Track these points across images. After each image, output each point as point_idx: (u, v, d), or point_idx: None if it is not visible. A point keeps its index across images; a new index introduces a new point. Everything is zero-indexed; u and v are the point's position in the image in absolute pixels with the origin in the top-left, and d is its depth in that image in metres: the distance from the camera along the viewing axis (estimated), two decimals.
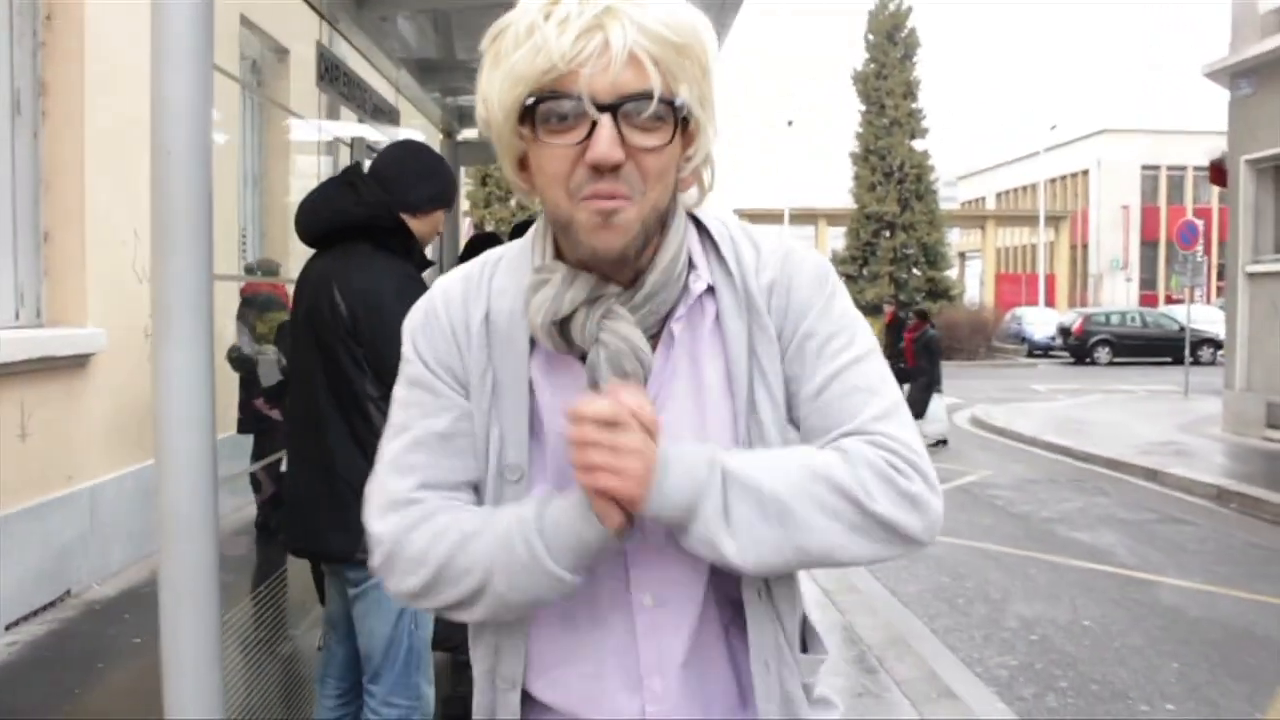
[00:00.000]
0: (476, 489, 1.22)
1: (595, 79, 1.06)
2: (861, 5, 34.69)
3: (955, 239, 59.40)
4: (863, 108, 33.59)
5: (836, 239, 41.24)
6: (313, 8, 3.63)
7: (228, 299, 6.62)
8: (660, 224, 1.16)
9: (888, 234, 33.04)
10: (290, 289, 3.20)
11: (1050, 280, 47.86)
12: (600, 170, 1.07)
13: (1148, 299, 46.17)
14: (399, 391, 1.25)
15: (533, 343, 1.19)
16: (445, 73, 5.32)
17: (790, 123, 47.46)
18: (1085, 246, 51.81)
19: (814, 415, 1.19)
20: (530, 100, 1.08)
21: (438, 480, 1.20)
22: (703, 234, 1.25)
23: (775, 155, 55.71)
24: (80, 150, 5.73)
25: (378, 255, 2.69)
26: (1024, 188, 56.40)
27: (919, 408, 12.84)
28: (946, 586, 6.49)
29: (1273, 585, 6.60)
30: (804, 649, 1.31)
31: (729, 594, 1.22)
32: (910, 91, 33.04)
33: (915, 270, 32.85)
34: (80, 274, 5.76)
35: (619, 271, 1.15)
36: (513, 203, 28.66)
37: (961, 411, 17.09)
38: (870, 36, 33.56)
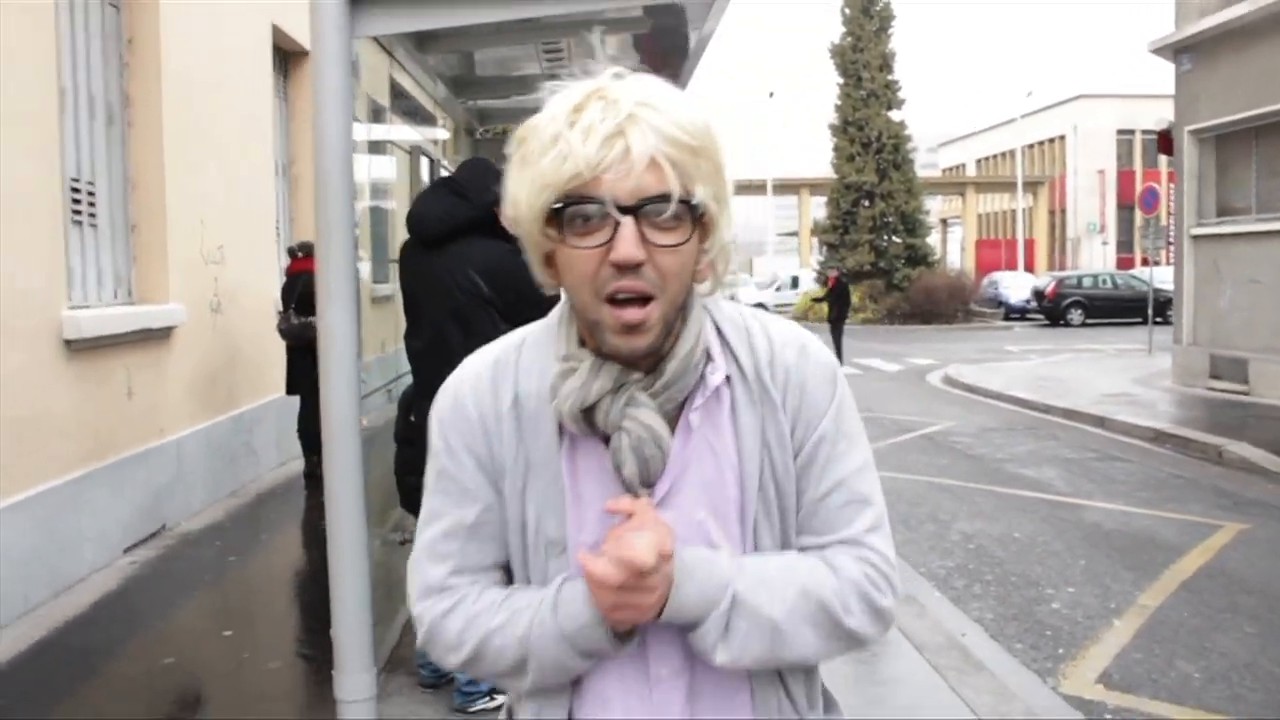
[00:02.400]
0: (506, 568, 1.33)
1: (618, 184, 1.12)
2: None
3: (937, 206, 60.57)
4: (840, 80, 34.54)
5: (819, 208, 42.25)
6: (382, 48, 4.66)
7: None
8: (679, 315, 1.23)
9: (867, 203, 34.08)
10: None
11: (1030, 245, 48.98)
12: (623, 269, 1.14)
13: (1124, 262, 47.23)
14: (430, 479, 1.34)
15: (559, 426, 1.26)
16: (470, 85, 6.35)
17: (771, 94, 48.21)
18: (1063, 211, 52.90)
19: (814, 517, 1.29)
20: (558, 205, 1.15)
21: (468, 566, 1.30)
22: (717, 325, 1.31)
23: (758, 127, 56.54)
24: (160, 154, 6.74)
25: (489, 241, 3.67)
26: (1003, 154, 57.41)
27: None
28: (902, 512, 7.59)
29: (1181, 506, 7.73)
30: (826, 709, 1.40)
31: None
32: (886, 64, 34.00)
33: (895, 238, 33.89)
34: (162, 258, 6.79)
35: (641, 360, 1.22)
36: None
37: (935, 371, 18.24)
38: (846, 10, 34.47)
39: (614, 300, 1.17)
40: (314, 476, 7.79)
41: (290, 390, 8.13)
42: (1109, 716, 4.13)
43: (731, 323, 1.31)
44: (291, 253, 8.49)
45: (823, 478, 1.29)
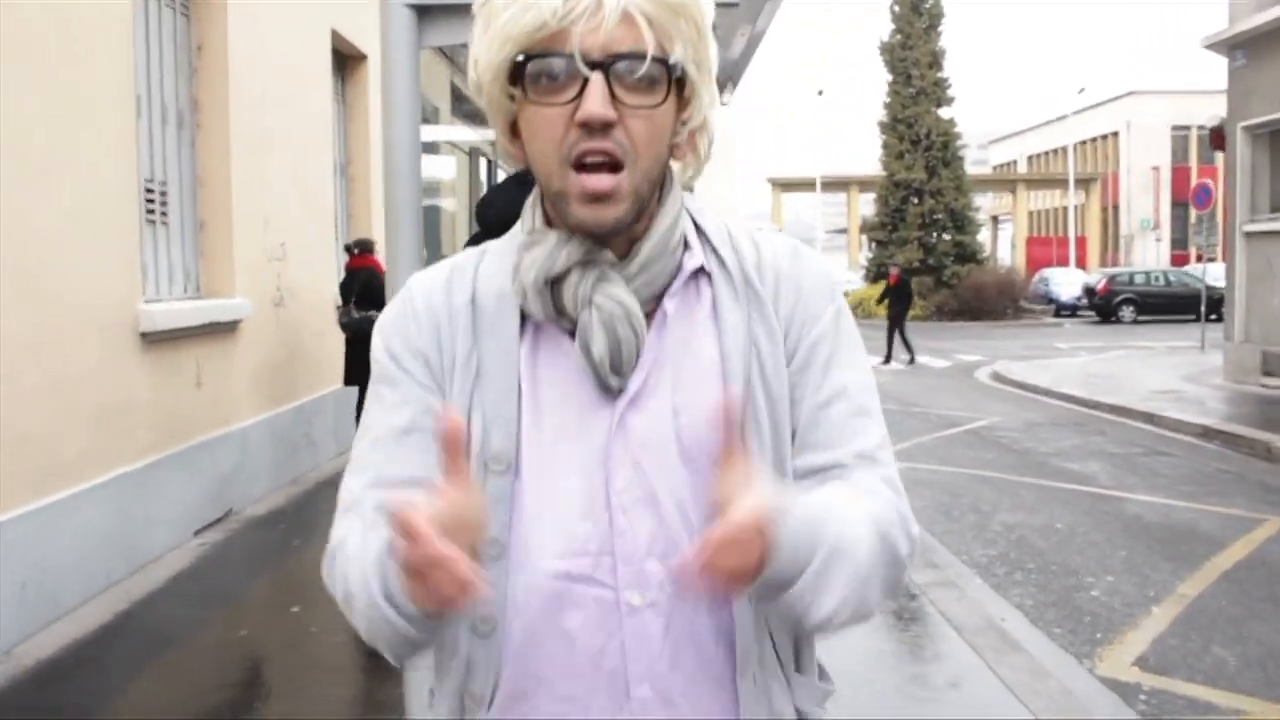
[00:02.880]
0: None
1: (587, 37, 1.02)
2: None
3: (988, 203, 60.12)
4: (889, 78, 34.45)
5: (867, 205, 42.17)
6: (444, 55, 4.88)
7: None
8: (654, 193, 1.12)
9: (916, 200, 33.98)
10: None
11: (1081, 242, 48.49)
12: (591, 129, 1.04)
13: (1178, 259, 46.63)
14: (368, 396, 1.20)
15: (522, 326, 1.14)
16: None
17: (821, 92, 48.13)
18: (1116, 208, 52.32)
19: (816, 428, 1.15)
20: (520, 58, 1.05)
21: (387, 478, 1.13)
22: (695, 221, 1.21)
23: (807, 124, 56.42)
24: (227, 156, 7.03)
25: None
26: (1054, 151, 56.89)
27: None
28: (945, 503, 7.71)
29: (1225, 499, 7.78)
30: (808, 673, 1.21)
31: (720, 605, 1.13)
32: (936, 61, 33.86)
33: (944, 235, 33.77)
34: (229, 255, 7.08)
35: (613, 241, 1.11)
36: None
37: (984, 368, 18.24)
38: (896, 8, 34.39)
39: (581, 166, 1.06)
40: None
41: (349, 381, 8.40)
42: (1144, 697, 4.26)
43: (712, 222, 1.21)
44: (349, 250, 8.77)
45: (823, 383, 1.16)
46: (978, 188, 41.03)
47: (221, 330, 6.86)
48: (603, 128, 1.04)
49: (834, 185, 48.27)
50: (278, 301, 7.89)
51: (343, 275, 8.71)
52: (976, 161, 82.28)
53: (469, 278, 1.18)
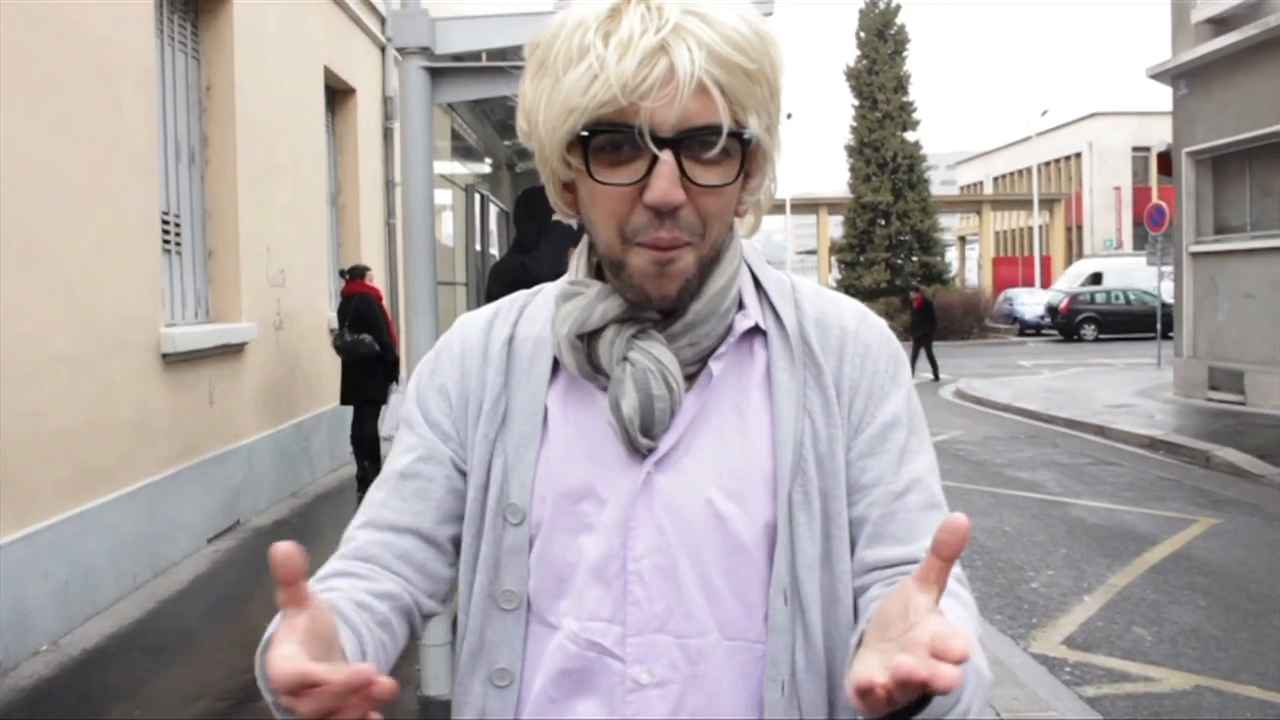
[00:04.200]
0: (428, 539, 1.12)
1: (658, 111, 0.94)
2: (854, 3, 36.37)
3: (956, 224, 61.16)
4: (856, 102, 35.32)
5: (836, 227, 42.96)
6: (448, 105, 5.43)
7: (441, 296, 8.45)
8: (716, 258, 1.05)
9: (883, 222, 34.81)
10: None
11: (1046, 262, 49.52)
12: (660, 212, 0.97)
13: None
14: (400, 428, 1.18)
15: (554, 372, 1.10)
16: (512, 127, 7.13)
17: (789, 115, 48.89)
18: (1080, 228, 53.40)
19: (892, 520, 1.06)
20: (584, 133, 0.97)
21: (378, 520, 1.12)
22: (756, 277, 1.14)
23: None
24: (234, 189, 7.55)
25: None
26: (1019, 171, 57.99)
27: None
28: None
29: (1162, 503, 8.40)
30: None
31: (747, 682, 1.05)
32: (901, 85, 34.77)
33: (911, 256, 34.57)
34: (235, 281, 7.59)
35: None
36: None
37: (948, 385, 18.91)
38: (861, 34, 35.29)
39: (646, 246, 0.99)
40: (365, 480, 8.54)
41: (344, 400, 8.90)
42: (1069, 669, 4.83)
43: (774, 278, 1.15)
44: (344, 275, 9.29)
45: (900, 473, 1.08)
46: (945, 209, 41.93)
47: (231, 352, 7.35)
48: (671, 210, 0.98)
49: (803, 207, 49.03)
50: (278, 325, 8.39)
51: (337, 300, 9.22)
52: (945, 182, 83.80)
53: (511, 319, 1.15)
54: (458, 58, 4.11)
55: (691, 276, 1.02)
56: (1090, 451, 11.26)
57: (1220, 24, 14.31)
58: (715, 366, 1.07)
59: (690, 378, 1.07)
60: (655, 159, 0.96)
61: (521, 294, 1.20)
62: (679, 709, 1.03)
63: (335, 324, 9.06)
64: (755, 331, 1.11)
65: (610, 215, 1.00)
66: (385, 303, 9.49)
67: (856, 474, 1.09)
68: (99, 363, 5.51)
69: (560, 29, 0.99)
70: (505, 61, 4.22)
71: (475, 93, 4.17)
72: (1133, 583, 6.15)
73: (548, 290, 1.17)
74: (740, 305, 1.10)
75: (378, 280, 10.20)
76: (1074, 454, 11.10)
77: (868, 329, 1.14)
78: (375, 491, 1.15)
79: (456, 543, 1.14)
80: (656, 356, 1.03)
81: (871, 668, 0.79)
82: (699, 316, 1.05)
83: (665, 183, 0.96)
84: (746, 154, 1.01)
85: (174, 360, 6.36)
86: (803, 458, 1.06)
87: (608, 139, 0.97)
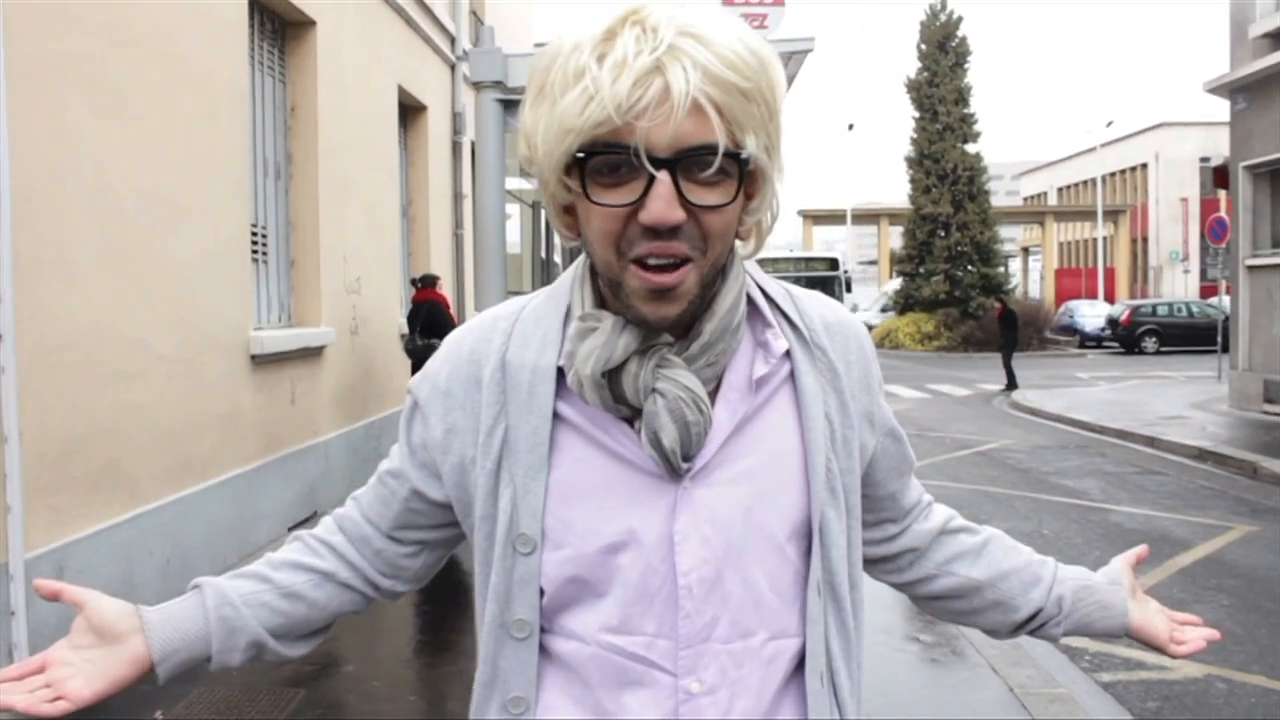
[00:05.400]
0: (388, 535, 1.26)
1: (653, 131, 0.96)
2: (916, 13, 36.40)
3: (1019, 235, 60.76)
4: (916, 114, 35.40)
5: (897, 238, 43.00)
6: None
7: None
8: (718, 276, 1.07)
9: (943, 234, 34.83)
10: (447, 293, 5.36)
11: (1110, 274, 49.06)
12: (656, 232, 0.98)
13: (1207, 290, 46.96)
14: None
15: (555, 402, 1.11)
16: None
17: (851, 126, 49.04)
18: (1145, 240, 52.81)
19: (892, 501, 1.32)
20: (580, 154, 0.99)
21: (360, 502, 1.30)
22: (762, 289, 1.17)
23: (838, 157, 57.28)
24: (315, 201, 8.09)
25: None
26: (1084, 183, 57.53)
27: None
28: None
29: (1201, 511, 8.61)
30: None
31: (785, 677, 1.12)
32: (962, 98, 34.79)
33: (970, 267, 34.56)
34: (315, 289, 8.13)
35: (671, 326, 1.06)
36: None
37: (1001, 396, 19.06)
38: (922, 46, 35.38)
39: (643, 263, 1.01)
40: None
41: None
42: (1089, 657, 5.15)
43: (776, 290, 1.19)
44: (415, 283, 9.82)
45: (909, 480, 1.33)
46: (1006, 220, 41.78)
47: (311, 355, 7.89)
48: (670, 230, 0.99)
49: (864, 217, 49.19)
50: (353, 330, 8.93)
51: (408, 307, 9.75)
52: (1009, 192, 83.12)
53: (499, 343, 1.15)
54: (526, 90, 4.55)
55: (693, 298, 1.04)
56: (1138, 461, 11.44)
57: (1278, 38, 14.39)
58: (760, 378, 1.13)
59: (711, 394, 1.10)
60: (652, 179, 0.98)
61: (505, 311, 1.20)
62: (729, 711, 1.08)
63: (405, 329, 9.59)
64: (767, 340, 1.14)
65: (607, 235, 1.02)
66: (453, 310, 10.01)
67: (877, 478, 1.27)
68: (196, 363, 6.04)
69: (557, 53, 1.02)
70: None
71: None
72: (1161, 583, 6.42)
73: (535, 309, 1.17)
74: (766, 324, 1.15)
75: (445, 288, 10.73)
76: (1121, 463, 11.29)
77: (865, 339, 1.24)
78: (374, 475, 1.28)
79: (417, 542, 1.27)
80: (686, 385, 1.05)
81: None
82: (714, 336, 1.08)
83: (662, 203, 0.97)
84: (744, 174, 1.02)
85: (261, 361, 6.89)
86: (830, 458, 1.13)
87: (604, 160, 0.99)
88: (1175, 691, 4.68)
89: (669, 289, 1.02)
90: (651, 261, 1.01)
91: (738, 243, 1.11)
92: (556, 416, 1.11)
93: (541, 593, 1.12)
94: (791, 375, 1.14)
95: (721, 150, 0.98)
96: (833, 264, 27.04)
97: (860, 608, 1.20)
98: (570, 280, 1.16)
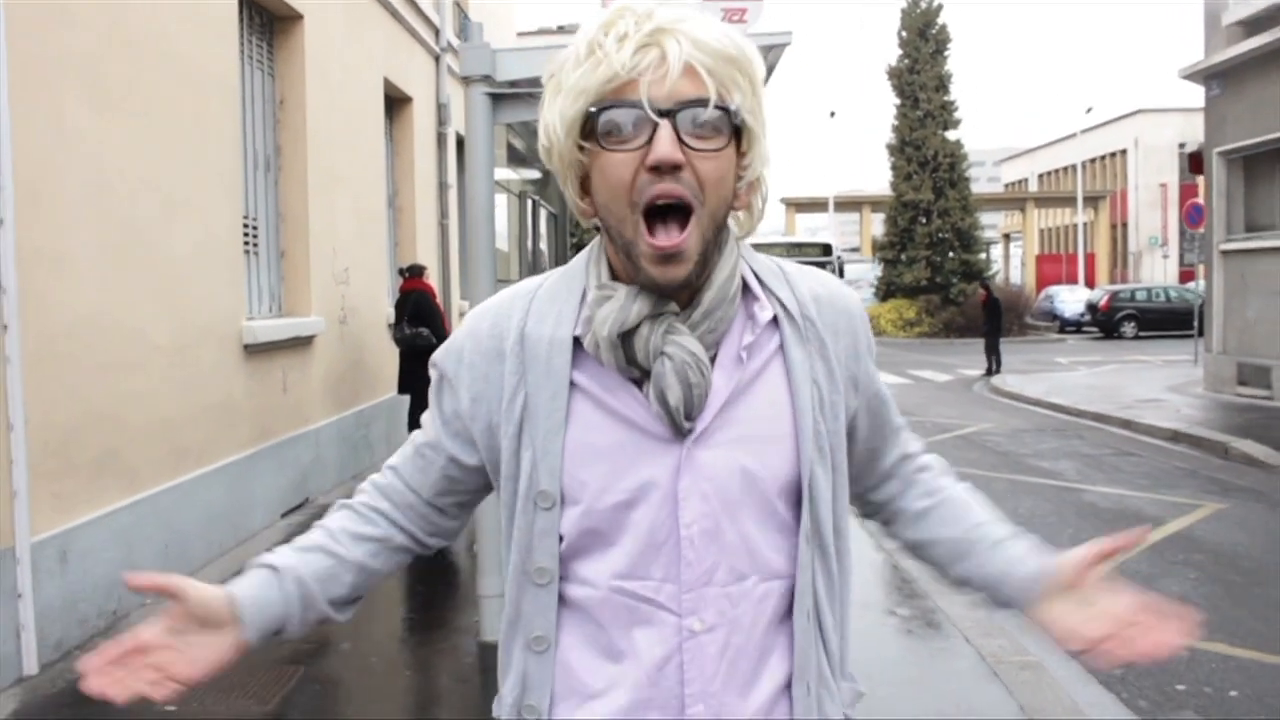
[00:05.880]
0: (430, 502, 1.39)
1: (653, 87, 1.12)
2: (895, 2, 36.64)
3: (1000, 222, 61.11)
4: (897, 101, 35.61)
5: (879, 225, 43.25)
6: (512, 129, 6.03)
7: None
8: (716, 245, 1.20)
9: (924, 220, 35.08)
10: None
11: (1090, 259, 49.41)
12: (661, 171, 1.12)
13: (1187, 275, 47.30)
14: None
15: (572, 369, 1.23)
16: None
17: (833, 114, 49.19)
18: (1125, 225, 53.19)
19: (870, 455, 1.45)
20: (593, 109, 1.14)
21: (400, 470, 1.41)
22: (751, 267, 1.29)
23: (820, 145, 57.40)
24: (304, 193, 8.21)
25: None
26: (1064, 169, 57.86)
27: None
28: None
29: (1173, 490, 8.84)
30: None
31: (775, 615, 1.26)
32: (942, 85, 35.01)
33: (950, 254, 34.82)
34: (305, 279, 8.25)
35: (677, 292, 1.19)
36: None
37: (981, 381, 19.30)
38: (903, 33, 35.57)
39: (652, 215, 1.15)
40: None
41: (402, 390, 9.55)
42: None
43: (765, 266, 1.31)
44: (403, 273, 9.94)
45: (891, 439, 1.45)
46: (986, 206, 42.07)
47: (301, 344, 8.02)
48: (672, 169, 1.13)
49: (846, 205, 49.39)
50: (342, 319, 9.06)
51: (396, 296, 9.87)
52: (990, 179, 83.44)
53: (518, 319, 1.28)
54: (514, 84, 4.69)
55: (696, 258, 1.17)
56: (1114, 443, 11.68)
57: (1252, 26, 14.60)
58: (745, 351, 1.24)
59: (710, 360, 1.22)
60: (655, 127, 1.13)
61: (522, 290, 1.33)
62: (726, 647, 1.22)
63: (392, 319, 9.71)
64: (755, 314, 1.26)
65: (620, 185, 1.15)
66: (438, 299, 10.14)
67: (863, 442, 1.40)
68: (191, 353, 6.17)
69: (568, 55, 1.19)
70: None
71: (530, 115, 4.74)
72: (1131, 558, 6.62)
73: (550, 287, 1.31)
74: (752, 295, 1.27)
75: (430, 277, 10.85)
76: (1097, 446, 11.52)
77: (847, 298, 1.35)
78: (408, 444, 1.40)
79: (456, 505, 1.40)
80: (690, 349, 1.18)
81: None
82: (713, 304, 1.21)
83: (666, 144, 1.12)
84: (734, 129, 1.17)
85: (253, 351, 7.02)
86: (816, 421, 1.25)
87: (613, 115, 1.14)
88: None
89: (675, 251, 1.15)
90: (660, 204, 1.14)
91: (731, 222, 1.24)
92: (572, 385, 1.24)
93: (561, 540, 1.25)
94: (781, 347, 1.26)
95: (713, 103, 1.13)
96: (826, 249, 26.88)
97: (846, 554, 1.33)
98: (585, 260, 1.29)
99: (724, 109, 1.14)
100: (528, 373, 1.24)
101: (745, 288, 1.27)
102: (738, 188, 1.21)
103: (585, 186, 1.22)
